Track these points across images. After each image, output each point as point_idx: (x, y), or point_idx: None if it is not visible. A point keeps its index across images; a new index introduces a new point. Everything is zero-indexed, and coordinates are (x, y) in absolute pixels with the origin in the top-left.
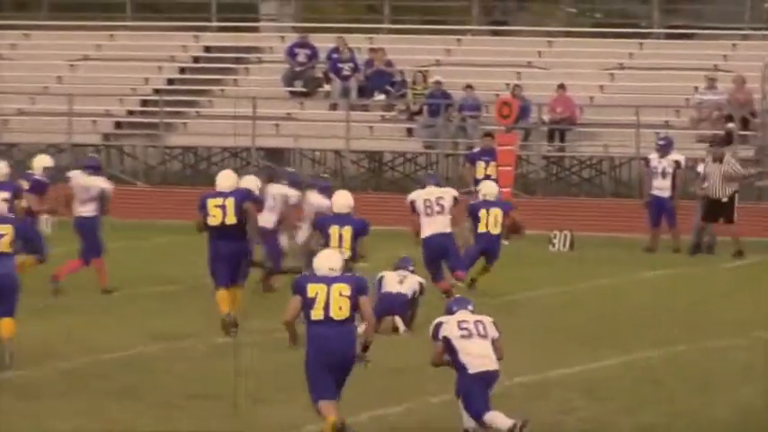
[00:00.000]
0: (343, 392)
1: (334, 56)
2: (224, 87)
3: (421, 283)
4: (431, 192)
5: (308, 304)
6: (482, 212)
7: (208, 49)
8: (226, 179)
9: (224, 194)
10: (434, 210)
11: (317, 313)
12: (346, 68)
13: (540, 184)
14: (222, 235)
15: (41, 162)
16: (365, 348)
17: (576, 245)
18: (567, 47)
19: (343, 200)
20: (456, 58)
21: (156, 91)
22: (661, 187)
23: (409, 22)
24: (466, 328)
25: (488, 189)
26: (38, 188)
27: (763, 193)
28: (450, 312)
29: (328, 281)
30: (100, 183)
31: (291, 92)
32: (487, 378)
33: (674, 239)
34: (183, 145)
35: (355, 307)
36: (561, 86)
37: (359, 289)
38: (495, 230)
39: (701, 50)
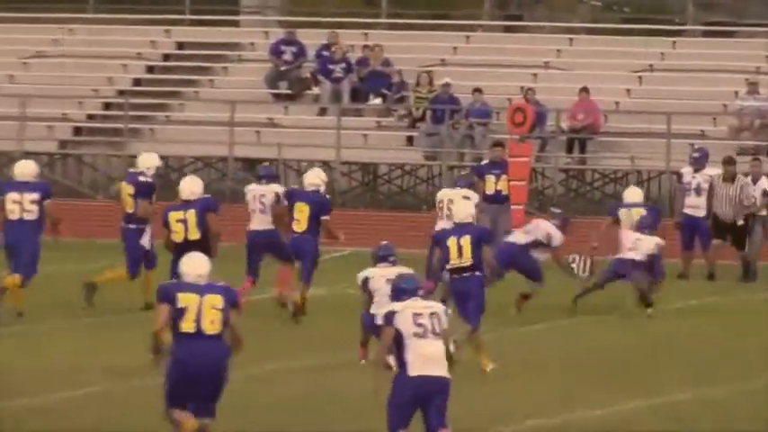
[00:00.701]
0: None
1: (324, 54)
2: (198, 89)
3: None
4: (457, 193)
5: (177, 315)
6: (622, 212)
7: (180, 45)
8: (190, 185)
9: (186, 205)
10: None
11: (187, 325)
12: (338, 69)
13: (557, 200)
14: (184, 253)
15: (149, 161)
16: None
17: (597, 270)
18: (590, 45)
19: (466, 209)
20: (464, 57)
21: (121, 92)
22: (695, 205)
23: (411, 16)
24: (421, 324)
25: (631, 194)
26: (145, 191)
27: None
28: (398, 295)
29: (201, 291)
30: (276, 188)
31: (275, 95)
32: (428, 386)
33: (708, 264)
34: None
35: (227, 321)
36: (584, 90)
37: (231, 301)
38: None
39: (743, 50)
